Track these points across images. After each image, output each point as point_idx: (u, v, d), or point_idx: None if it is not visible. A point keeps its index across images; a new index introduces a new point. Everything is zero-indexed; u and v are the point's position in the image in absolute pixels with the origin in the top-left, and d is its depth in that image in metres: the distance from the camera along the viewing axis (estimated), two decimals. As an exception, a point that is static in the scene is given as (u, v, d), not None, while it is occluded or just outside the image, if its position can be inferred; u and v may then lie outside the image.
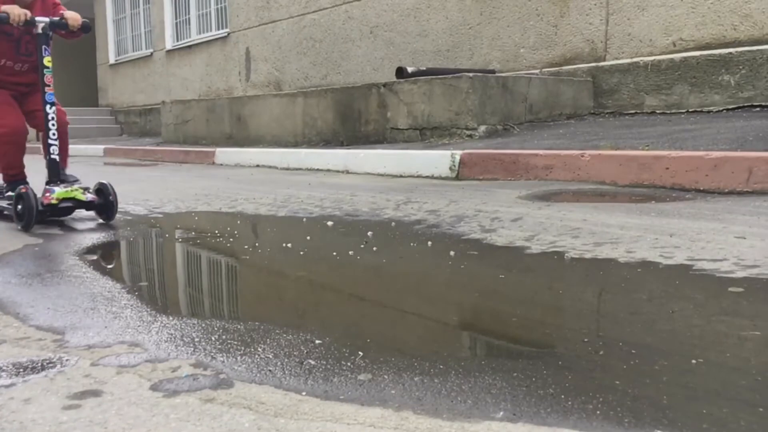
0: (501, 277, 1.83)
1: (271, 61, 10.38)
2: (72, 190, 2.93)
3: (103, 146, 10.24)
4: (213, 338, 1.34)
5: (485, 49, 7.17)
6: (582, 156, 3.83)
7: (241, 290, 1.91)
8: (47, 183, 2.94)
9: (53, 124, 2.92)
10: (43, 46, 2.91)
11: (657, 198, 3.13)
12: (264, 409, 1.01)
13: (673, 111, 5.76)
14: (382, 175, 4.95)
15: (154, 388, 1.10)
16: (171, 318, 1.50)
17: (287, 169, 6.00)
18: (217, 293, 1.84)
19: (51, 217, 2.99)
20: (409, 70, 6.22)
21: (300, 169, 5.85)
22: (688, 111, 5.66)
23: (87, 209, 3.04)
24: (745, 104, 5.33)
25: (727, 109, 5.39)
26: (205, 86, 11.97)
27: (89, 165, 7.89)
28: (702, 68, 5.55)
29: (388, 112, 6.11)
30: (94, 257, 2.29)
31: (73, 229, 2.89)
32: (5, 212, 3.20)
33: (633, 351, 1.21)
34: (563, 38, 6.52)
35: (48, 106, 2.92)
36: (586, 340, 1.31)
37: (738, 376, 1.09)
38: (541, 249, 2.13)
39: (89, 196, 2.98)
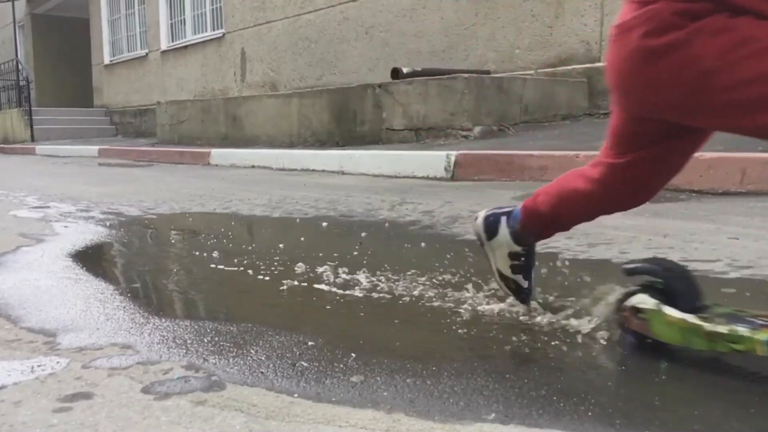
0: (495, 278, 1.83)
1: (267, 61, 10.37)
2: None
3: (97, 147, 10.21)
4: (205, 340, 1.34)
5: (480, 49, 7.17)
6: (577, 157, 3.83)
7: (234, 292, 1.90)
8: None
9: None
10: None
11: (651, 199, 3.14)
12: (255, 411, 1.00)
13: (668, 112, 5.77)
14: (377, 175, 4.95)
15: (145, 390, 1.09)
16: (163, 320, 1.50)
17: (282, 169, 5.99)
18: (210, 295, 1.83)
19: None
20: (405, 70, 6.22)
21: (295, 169, 5.84)
22: (682, 112, 5.67)
23: None
24: (739, 105, 5.34)
25: (722, 110, 5.40)
26: (200, 87, 11.94)
27: (83, 165, 7.87)
28: (696, 69, 5.55)
29: (383, 113, 6.11)
30: (87, 258, 2.29)
31: (65, 230, 2.88)
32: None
33: (625, 352, 1.22)
34: (558, 39, 6.52)
35: None
36: (579, 341, 1.31)
37: (730, 378, 1.09)
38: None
39: None
